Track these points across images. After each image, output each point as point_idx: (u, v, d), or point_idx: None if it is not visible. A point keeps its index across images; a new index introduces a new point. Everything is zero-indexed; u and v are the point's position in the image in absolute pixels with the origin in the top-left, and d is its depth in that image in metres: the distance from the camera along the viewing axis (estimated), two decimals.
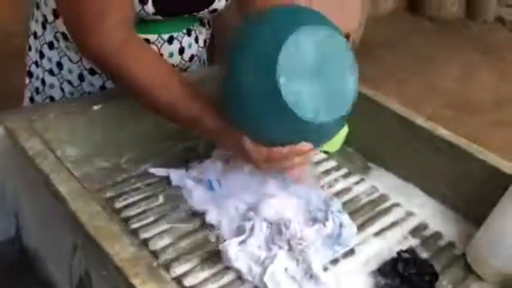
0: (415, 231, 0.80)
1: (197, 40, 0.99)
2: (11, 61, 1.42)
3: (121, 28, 0.74)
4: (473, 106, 2.88)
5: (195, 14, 0.90)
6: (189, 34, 0.96)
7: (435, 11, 3.91)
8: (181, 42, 0.95)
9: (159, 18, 0.85)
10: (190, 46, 0.97)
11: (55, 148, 0.74)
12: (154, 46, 0.91)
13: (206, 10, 0.90)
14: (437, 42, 3.62)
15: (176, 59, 0.95)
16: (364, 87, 0.97)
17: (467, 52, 3.48)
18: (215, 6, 0.90)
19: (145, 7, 0.81)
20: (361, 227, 0.78)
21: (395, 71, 3.15)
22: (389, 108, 0.91)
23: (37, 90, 0.98)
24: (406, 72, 3.15)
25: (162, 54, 0.93)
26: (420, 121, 0.88)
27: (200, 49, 1.01)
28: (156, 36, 0.91)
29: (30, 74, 0.99)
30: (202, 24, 0.99)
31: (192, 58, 0.99)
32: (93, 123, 0.82)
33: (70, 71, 0.92)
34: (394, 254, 0.73)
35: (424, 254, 0.75)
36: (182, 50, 0.96)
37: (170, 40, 0.93)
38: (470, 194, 0.82)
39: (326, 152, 0.96)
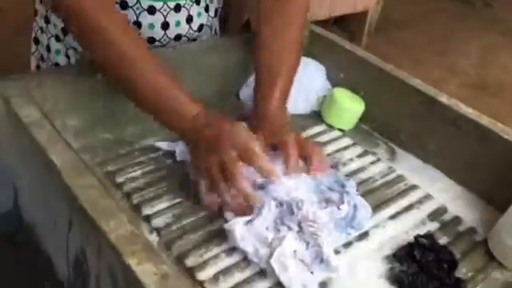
0: (434, 215, 0.75)
1: (207, 9, 0.94)
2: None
3: None
4: (492, 87, 2.79)
5: None
6: (197, 3, 0.91)
7: None
8: (189, 11, 0.90)
9: None
10: (199, 14, 0.92)
11: (55, 118, 0.70)
12: (159, 14, 0.86)
13: None
14: (457, 21, 3.51)
15: (184, 28, 0.90)
16: (382, 62, 0.92)
17: (488, 32, 3.38)
18: None
19: None
20: (376, 209, 0.74)
21: (413, 51, 3.07)
22: (409, 84, 0.86)
23: (42, 57, 0.94)
24: (425, 52, 3.07)
25: (168, 23, 0.88)
26: (443, 98, 0.82)
27: (210, 18, 0.96)
28: (161, 3, 0.86)
29: (36, 41, 0.95)
30: None
31: (201, 27, 0.93)
32: (95, 92, 0.77)
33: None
34: (411, 239, 0.68)
35: (443, 240, 0.71)
36: (189, 19, 0.90)
37: (177, 8, 0.88)
38: (494, 177, 0.77)
39: (340, 130, 0.91)
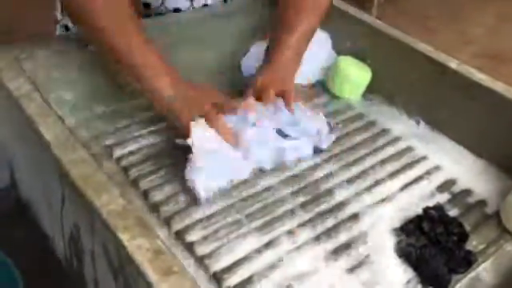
0: (444, 187, 0.72)
1: None
2: None
3: None
4: (505, 56, 2.72)
5: None
6: None
7: None
8: None
9: None
10: None
11: (48, 91, 0.68)
12: None
13: None
14: None
15: None
16: (390, 28, 0.88)
17: (498, 0, 3.27)
18: None
19: None
20: (384, 181, 0.71)
21: (424, 20, 2.98)
22: (418, 50, 0.82)
23: (67, 27, 0.90)
24: (435, 21, 2.99)
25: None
26: (453, 64, 0.78)
27: None
28: None
29: (61, 9, 0.91)
30: None
31: None
32: (90, 64, 0.74)
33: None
34: (420, 211, 0.65)
35: (453, 212, 0.68)
36: None
37: None
38: (509, 145, 0.73)
39: (347, 100, 0.87)
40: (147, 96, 0.70)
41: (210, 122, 0.67)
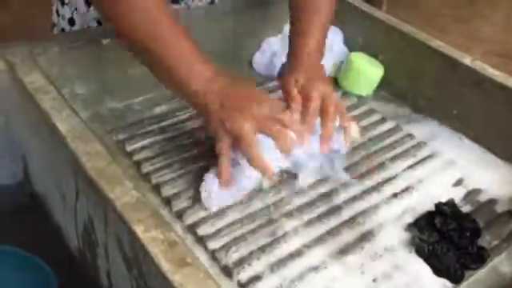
0: (457, 183, 0.72)
1: None
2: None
3: None
4: None
5: None
6: None
7: None
8: None
9: None
10: None
11: (62, 85, 0.68)
12: None
13: None
14: None
15: None
16: (402, 23, 0.87)
17: None
18: None
19: None
20: (396, 177, 0.71)
21: (436, 18, 2.96)
22: (431, 46, 0.81)
23: (63, 31, 0.91)
24: (446, 19, 2.97)
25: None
26: (467, 60, 0.78)
27: None
28: None
29: (57, 13, 0.92)
30: None
31: None
32: (103, 59, 0.75)
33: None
34: (432, 207, 0.65)
35: (466, 208, 0.67)
36: None
37: None
38: None
39: (358, 96, 0.87)
40: (179, 92, 0.63)
41: (244, 146, 0.59)
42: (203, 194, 0.62)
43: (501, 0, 3.19)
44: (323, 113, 0.65)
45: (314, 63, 0.71)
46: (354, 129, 0.71)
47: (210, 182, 0.62)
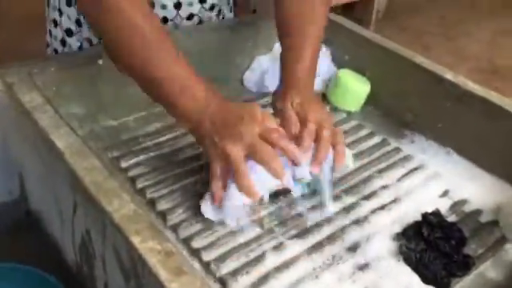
0: (443, 194, 0.74)
1: None
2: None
3: None
4: (503, 71, 2.75)
5: None
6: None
7: None
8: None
9: None
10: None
11: (59, 104, 0.70)
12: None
13: None
14: (467, 6, 3.46)
15: (196, 7, 0.91)
16: (387, 41, 0.91)
17: (498, 16, 3.32)
18: None
19: None
20: (384, 189, 0.73)
21: (422, 37, 3.03)
22: (415, 62, 0.84)
23: (56, 51, 0.94)
24: (433, 37, 3.03)
25: (180, 3, 0.89)
26: (449, 76, 0.81)
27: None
28: None
29: (50, 34, 0.95)
30: None
31: (213, 6, 0.94)
32: (98, 78, 0.77)
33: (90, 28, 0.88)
34: (419, 217, 0.67)
35: (452, 218, 0.70)
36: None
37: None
38: (504, 152, 0.76)
39: (347, 111, 0.90)
40: (171, 112, 0.64)
41: (234, 171, 0.59)
42: (203, 206, 0.63)
43: (486, 19, 3.27)
44: (318, 137, 0.65)
45: (308, 87, 0.72)
46: (348, 155, 0.70)
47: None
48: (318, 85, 0.93)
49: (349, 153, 0.71)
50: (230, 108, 0.62)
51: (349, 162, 0.71)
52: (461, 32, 3.10)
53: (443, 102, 0.82)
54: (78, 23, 0.88)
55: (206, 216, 0.63)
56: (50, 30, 0.93)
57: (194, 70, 0.63)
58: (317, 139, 0.65)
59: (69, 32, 0.90)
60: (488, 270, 0.64)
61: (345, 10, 3.04)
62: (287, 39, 0.75)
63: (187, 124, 0.63)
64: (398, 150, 0.82)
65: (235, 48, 0.92)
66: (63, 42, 0.91)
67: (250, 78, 0.94)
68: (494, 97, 0.77)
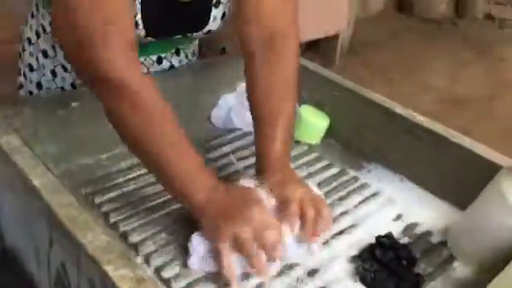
0: (397, 218, 0.80)
1: (186, 56, 1.00)
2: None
3: (126, 53, 0.64)
4: (463, 101, 2.89)
5: (189, 35, 0.89)
6: (177, 54, 0.97)
7: (424, 10, 3.93)
8: (170, 61, 0.96)
9: (151, 39, 0.84)
10: (179, 62, 0.99)
11: (34, 145, 0.74)
12: (143, 67, 0.92)
13: (201, 32, 0.88)
14: (427, 40, 3.63)
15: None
16: (344, 79, 0.98)
17: (457, 50, 3.49)
18: (209, 27, 0.88)
19: (136, 31, 0.79)
20: (343, 215, 0.79)
21: (385, 71, 3.16)
22: (367, 97, 0.92)
23: (31, 93, 0.97)
24: (397, 71, 3.17)
25: (150, 73, 0.94)
26: (399, 109, 0.88)
27: (190, 59, 1.02)
28: (144, 58, 0.91)
29: (25, 77, 0.98)
30: (193, 40, 0.99)
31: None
32: (72, 120, 0.82)
33: (64, 80, 0.93)
34: (374, 240, 0.73)
35: (404, 240, 0.76)
36: (171, 67, 0.97)
37: (159, 60, 0.94)
38: (452, 179, 0.82)
39: (308, 144, 0.96)
40: (177, 198, 0.70)
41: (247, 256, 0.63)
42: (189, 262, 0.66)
43: (446, 53, 3.44)
44: (302, 217, 0.68)
45: (285, 166, 0.76)
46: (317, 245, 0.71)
47: (196, 245, 0.66)
48: None
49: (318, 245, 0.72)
50: (235, 197, 0.67)
51: (315, 252, 0.72)
52: (422, 65, 3.25)
53: (396, 134, 0.89)
54: (53, 72, 0.93)
55: (192, 268, 0.66)
56: (24, 73, 0.97)
57: (201, 161, 0.68)
58: (301, 218, 0.68)
59: (45, 76, 0.94)
60: (437, 287, 0.69)
61: (310, 46, 3.16)
62: (260, 118, 0.78)
63: (192, 209, 0.68)
64: (355, 178, 0.88)
65: (201, 88, 0.98)
66: (39, 85, 0.95)
67: (217, 115, 1.00)
68: (439, 128, 0.84)
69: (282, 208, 0.69)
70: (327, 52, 3.15)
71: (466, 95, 2.92)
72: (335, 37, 3.05)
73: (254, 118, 0.80)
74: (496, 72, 3.21)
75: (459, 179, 0.82)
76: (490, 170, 0.74)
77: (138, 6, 0.78)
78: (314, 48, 3.18)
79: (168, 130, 0.67)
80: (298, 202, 0.69)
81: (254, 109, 0.80)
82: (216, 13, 0.87)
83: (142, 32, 0.81)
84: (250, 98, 0.80)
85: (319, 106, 0.99)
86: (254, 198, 0.68)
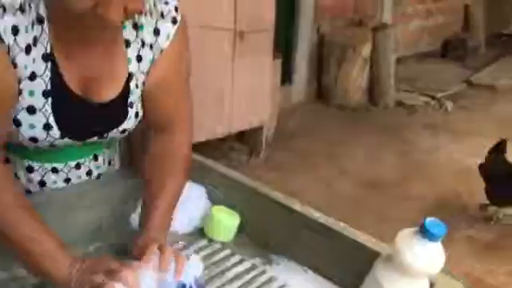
0: None
1: (104, 162, 1.08)
2: None
3: None
4: (378, 183, 3.11)
5: (105, 135, 0.95)
6: (96, 159, 1.05)
7: (341, 99, 4.27)
8: (88, 166, 1.04)
9: (68, 140, 0.91)
10: (97, 167, 1.06)
11: None
12: (62, 173, 0.99)
13: (116, 130, 0.95)
14: (345, 127, 3.93)
15: (83, 180, 1.04)
16: (252, 181, 1.09)
17: (371, 135, 3.79)
18: (125, 126, 0.95)
19: (50, 132, 0.87)
20: None
21: (308, 157, 3.36)
22: (271, 198, 1.03)
23: None
24: (319, 157, 3.38)
25: (69, 178, 1.01)
26: (297, 206, 1.00)
27: (107, 167, 1.10)
28: (63, 164, 0.99)
29: None
30: (109, 145, 1.08)
31: (99, 176, 1.07)
32: None
33: None
34: None
35: None
36: (89, 172, 1.04)
37: (78, 166, 1.01)
38: (352, 269, 0.92)
39: (221, 242, 1.05)
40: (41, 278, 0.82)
41: None
42: None
43: (363, 138, 3.71)
44: (161, 255, 0.80)
45: (162, 232, 0.92)
46: (198, 265, 0.84)
47: None
48: (196, 221, 1.08)
49: (200, 264, 0.85)
50: (92, 267, 0.77)
51: (199, 272, 0.84)
52: (341, 150, 3.49)
53: (298, 230, 1.00)
54: None
55: None
56: None
57: (60, 241, 0.79)
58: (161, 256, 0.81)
59: None
60: None
61: (238, 138, 3.33)
62: (148, 189, 0.95)
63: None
64: (264, 272, 0.97)
65: (121, 196, 1.06)
66: None
67: (137, 218, 1.07)
68: (333, 224, 0.95)
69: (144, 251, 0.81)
70: (253, 142, 3.32)
71: (380, 178, 3.15)
72: (260, 128, 3.24)
73: (143, 187, 0.96)
74: (405, 155, 3.50)
75: (355, 266, 0.92)
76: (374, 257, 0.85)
77: (49, 110, 0.85)
78: (241, 138, 3.36)
79: (22, 217, 0.78)
80: (157, 245, 0.81)
81: (143, 179, 0.97)
82: (131, 112, 0.95)
83: (57, 133, 0.87)
84: (141, 175, 0.98)
85: (231, 205, 1.09)
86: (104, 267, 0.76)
